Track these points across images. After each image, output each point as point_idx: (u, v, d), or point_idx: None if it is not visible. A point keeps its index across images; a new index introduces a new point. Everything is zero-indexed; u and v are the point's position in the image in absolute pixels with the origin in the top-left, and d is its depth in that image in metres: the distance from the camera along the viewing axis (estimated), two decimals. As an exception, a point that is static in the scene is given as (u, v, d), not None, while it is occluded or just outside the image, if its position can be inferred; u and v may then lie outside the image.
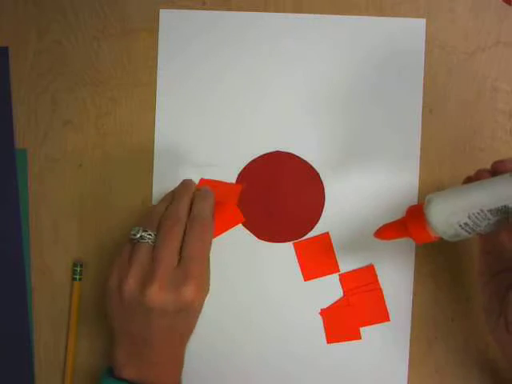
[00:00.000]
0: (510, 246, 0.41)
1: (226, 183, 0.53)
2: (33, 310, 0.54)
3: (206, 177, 0.53)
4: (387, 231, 0.47)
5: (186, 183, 0.50)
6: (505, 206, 0.41)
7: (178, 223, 0.46)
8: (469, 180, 0.46)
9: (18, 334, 0.54)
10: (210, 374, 0.54)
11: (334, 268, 0.53)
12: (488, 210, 0.42)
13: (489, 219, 0.42)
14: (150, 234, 0.46)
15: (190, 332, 0.49)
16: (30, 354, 0.54)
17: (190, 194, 0.49)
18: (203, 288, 0.47)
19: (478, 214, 0.42)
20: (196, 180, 0.53)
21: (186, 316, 0.46)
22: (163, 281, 0.44)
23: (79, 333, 0.54)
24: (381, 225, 0.47)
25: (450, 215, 0.43)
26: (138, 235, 0.46)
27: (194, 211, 0.47)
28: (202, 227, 0.46)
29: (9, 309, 0.54)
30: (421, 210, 0.44)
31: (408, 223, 0.45)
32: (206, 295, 0.47)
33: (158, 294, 0.44)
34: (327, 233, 0.53)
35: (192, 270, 0.45)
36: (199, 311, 0.48)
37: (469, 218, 0.42)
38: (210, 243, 0.47)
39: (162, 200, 0.49)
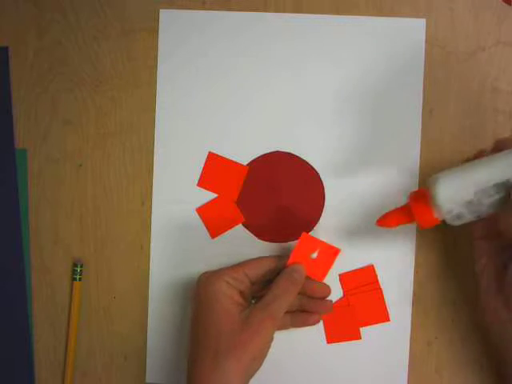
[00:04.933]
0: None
1: (233, 162, 0.53)
2: (33, 310, 0.54)
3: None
4: (391, 217, 0.47)
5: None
6: (508, 180, 0.42)
7: None
8: (468, 160, 0.46)
9: (18, 334, 0.54)
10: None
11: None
12: (493, 185, 0.42)
13: (492, 195, 0.43)
14: None
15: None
16: (30, 354, 0.54)
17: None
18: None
19: (483, 190, 0.43)
20: (204, 153, 0.53)
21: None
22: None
23: (79, 333, 0.54)
24: (383, 213, 0.47)
25: (457, 192, 0.43)
26: None
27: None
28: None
29: (9, 309, 0.54)
30: (424, 192, 0.45)
31: (412, 206, 0.45)
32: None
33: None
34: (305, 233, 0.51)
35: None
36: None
37: (474, 194, 0.43)
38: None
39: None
